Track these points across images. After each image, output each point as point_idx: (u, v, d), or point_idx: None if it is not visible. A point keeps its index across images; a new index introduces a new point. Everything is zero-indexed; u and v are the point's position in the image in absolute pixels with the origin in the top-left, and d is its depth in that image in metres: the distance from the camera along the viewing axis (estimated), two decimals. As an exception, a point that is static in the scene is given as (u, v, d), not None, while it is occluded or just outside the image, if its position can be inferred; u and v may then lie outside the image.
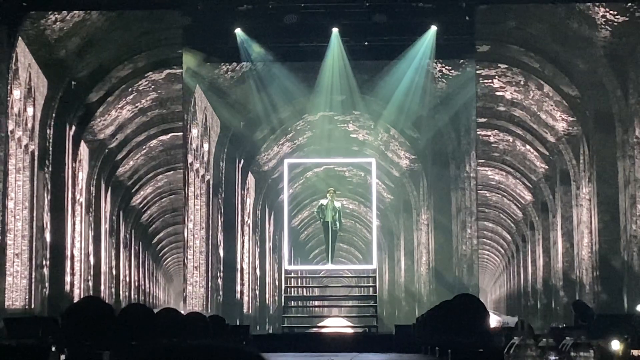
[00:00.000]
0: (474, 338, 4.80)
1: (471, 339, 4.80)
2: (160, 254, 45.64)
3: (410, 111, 34.25)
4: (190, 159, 29.96)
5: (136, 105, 29.36)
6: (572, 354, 8.02)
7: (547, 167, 31.89)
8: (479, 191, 22.52)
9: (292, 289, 25.87)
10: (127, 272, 37.55)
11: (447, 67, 29.92)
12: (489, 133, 27.24)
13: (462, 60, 28.65)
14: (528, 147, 28.44)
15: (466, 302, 4.99)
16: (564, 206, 32.14)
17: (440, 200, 36.06)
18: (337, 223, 24.17)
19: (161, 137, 31.90)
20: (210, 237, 32.59)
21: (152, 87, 28.53)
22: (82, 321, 5.31)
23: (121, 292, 35.20)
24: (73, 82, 24.39)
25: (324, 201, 24.26)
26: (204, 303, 31.17)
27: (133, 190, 35.68)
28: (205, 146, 32.77)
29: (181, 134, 21.80)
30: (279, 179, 43.39)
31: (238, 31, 23.08)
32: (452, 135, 34.05)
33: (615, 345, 8.40)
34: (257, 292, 46.11)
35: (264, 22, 22.78)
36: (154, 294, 35.83)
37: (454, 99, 31.75)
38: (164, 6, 21.94)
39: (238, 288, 37.24)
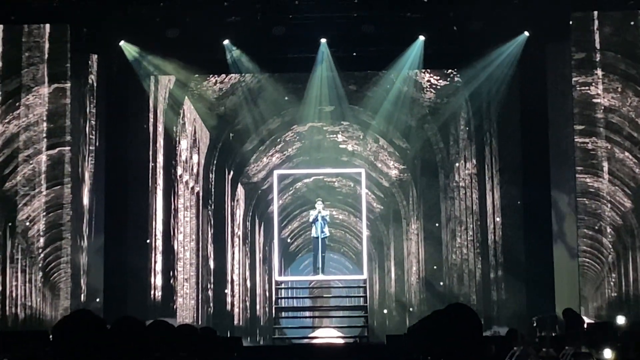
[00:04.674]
0: (467, 347, 4.81)
1: (464, 349, 4.80)
2: (47, 270, 44.62)
3: (399, 121, 34.31)
4: (179, 170, 29.95)
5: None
6: (573, 363, 8.04)
7: (646, 173, 31.34)
8: (577, 198, 22.34)
9: (283, 300, 25.83)
10: (14, 288, 36.65)
11: (435, 77, 30.01)
12: (587, 140, 27.12)
13: (450, 70, 28.75)
14: (627, 153, 28.25)
15: (458, 311, 4.99)
16: (666, 213, 31.63)
17: (430, 209, 36.15)
18: (325, 230, 24.20)
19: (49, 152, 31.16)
20: (200, 248, 32.57)
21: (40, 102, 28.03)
22: (73, 334, 5.28)
23: (7, 309, 34.38)
24: None
25: (313, 212, 24.23)
26: (195, 315, 31.12)
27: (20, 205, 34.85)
28: (195, 158, 32.78)
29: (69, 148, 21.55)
30: (268, 190, 43.38)
31: (226, 43, 23.10)
32: (441, 145, 34.16)
33: (608, 354, 8.42)
34: (248, 304, 46.04)
35: (252, 34, 22.79)
36: (41, 309, 35.24)
37: (443, 109, 31.85)
38: (50, 21, 21.71)
39: (229, 299, 37.21)
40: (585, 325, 16.27)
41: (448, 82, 29.87)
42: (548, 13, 21.98)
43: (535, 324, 19.13)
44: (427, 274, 35.61)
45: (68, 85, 21.62)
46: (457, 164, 32.47)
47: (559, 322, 18.41)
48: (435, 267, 34.09)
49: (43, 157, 21.50)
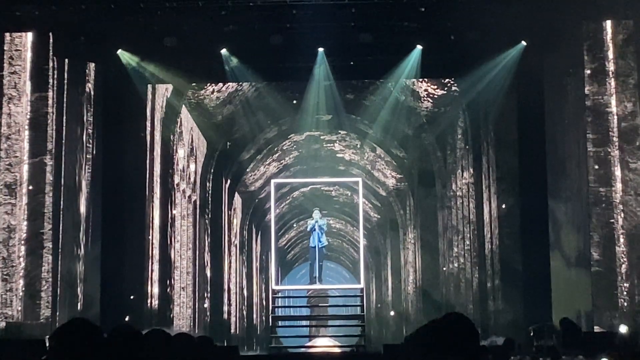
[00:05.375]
0: (464, 357, 4.80)
1: (461, 358, 4.80)
2: (28, 278, 44.21)
3: (396, 130, 34.36)
4: (176, 179, 29.94)
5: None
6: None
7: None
8: (590, 207, 22.34)
9: (280, 309, 25.81)
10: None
11: (432, 87, 30.04)
12: (600, 149, 27.17)
13: (447, 80, 28.78)
14: (640, 163, 28.18)
15: (455, 320, 4.99)
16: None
17: (427, 219, 36.15)
18: (322, 240, 24.20)
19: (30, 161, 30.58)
20: (197, 257, 32.54)
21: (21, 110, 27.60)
22: (70, 343, 5.28)
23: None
24: None
25: (311, 221, 24.23)
26: (191, 324, 31.08)
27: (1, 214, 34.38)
28: (192, 166, 32.77)
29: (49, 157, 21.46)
30: (265, 199, 43.42)
31: (224, 52, 23.12)
32: (438, 154, 34.17)
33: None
34: (245, 313, 46.02)
35: (250, 43, 22.81)
36: (22, 318, 35.16)
37: (440, 118, 31.88)
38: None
39: (225, 308, 37.17)
40: (582, 335, 16.27)
41: (445, 92, 29.89)
42: (545, 23, 22.02)
43: (532, 334, 19.12)
44: (424, 283, 35.60)
45: (50, 94, 21.51)
46: (454, 173, 32.48)
47: (555, 331, 18.41)
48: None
49: (25, 166, 21.38)
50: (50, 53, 21.62)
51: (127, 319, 22.31)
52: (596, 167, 21.94)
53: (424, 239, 36.10)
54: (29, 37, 21.66)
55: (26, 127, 21.41)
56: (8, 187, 21.24)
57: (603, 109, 21.81)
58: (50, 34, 21.56)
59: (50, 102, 21.45)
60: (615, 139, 21.86)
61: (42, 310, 21.00)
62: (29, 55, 21.57)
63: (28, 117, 21.43)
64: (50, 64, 21.60)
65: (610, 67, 21.88)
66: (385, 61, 23.98)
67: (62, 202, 22.28)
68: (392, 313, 42.35)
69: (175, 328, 27.43)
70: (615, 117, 21.85)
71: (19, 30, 21.56)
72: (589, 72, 21.89)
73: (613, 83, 21.81)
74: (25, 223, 21.05)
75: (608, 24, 21.80)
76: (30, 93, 21.49)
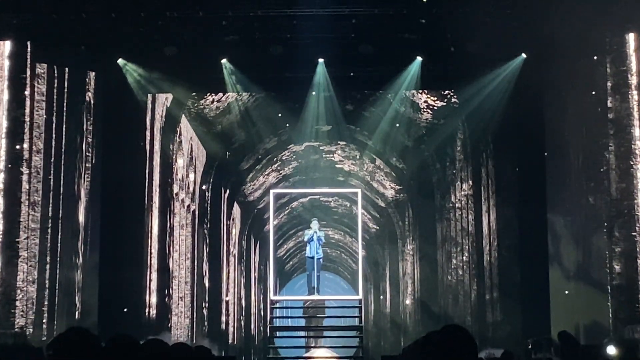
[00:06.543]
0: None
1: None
2: (4, 288, 43.86)
3: (395, 141, 34.36)
4: (175, 189, 29.93)
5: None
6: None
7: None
8: (612, 219, 22.35)
9: (278, 319, 25.75)
10: None
11: (432, 98, 30.05)
12: (622, 162, 27.46)
13: (447, 91, 28.79)
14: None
15: (453, 332, 4.99)
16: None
17: (426, 230, 36.13)
18: (319, 251, 24.16)
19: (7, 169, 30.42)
20: (195, 267, 32.50)
21: None
22: (68, 352, 5.28)
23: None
24: None
25: (309, 232, 24.18)
26: (189, 334, 31.03)
27: None
28: (191, 176, 32.76)
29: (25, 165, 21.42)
30: (264, 209, 43.37)
31: (224, 61, 23.15)
32: (437, 165, 34.18)
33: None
34: (243, 323, 45.94)
35: (250, 53, 22.83)
36: None
37: (439, 130, 31.87)
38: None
39: (223, 318, 37.11)
40: (580, 348, 16.23)
41: (445, 103, 29.91)
42: (545, 35, 22.04)
43: (530, 346, 19.09)
44: (423, 294, 35.56)
45: (28, 102, 21.42)
46: (453, 185, 32.48)
47: (554, 344, 18.38)
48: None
49: (0, 175, 21.28)
50: (28, 61, 21.57)
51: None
52: (618, 180, 21.84)
53: (423, 251, 36.08)
54: (7, 45, 21.58)
55: (2, 135, 21.32)
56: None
57: (625, 122, 21.73)
58: (29, 42, 21.51)
59: (27, 110, 21.36)
60: (637, 151, 21.77)
61: (17, 319, 20.85)
62: (7, 64, 21.52)
63: (5, 125, 21.35)
64: (28, 72, 21.54)
65: (633, 80, 21.83)
66: (385, 72, 24.01)
67: (60, 211, 22.27)
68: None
69: (173, 338, 27.39)
70: (638, 129, 21.78)
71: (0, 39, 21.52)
72: (610, 84, 21.84)
73: (636, 96, 21.75)
74: (0, 231, 20.93)
75: (631, 36, 21.75)
76: (7, 101, 21.39)
